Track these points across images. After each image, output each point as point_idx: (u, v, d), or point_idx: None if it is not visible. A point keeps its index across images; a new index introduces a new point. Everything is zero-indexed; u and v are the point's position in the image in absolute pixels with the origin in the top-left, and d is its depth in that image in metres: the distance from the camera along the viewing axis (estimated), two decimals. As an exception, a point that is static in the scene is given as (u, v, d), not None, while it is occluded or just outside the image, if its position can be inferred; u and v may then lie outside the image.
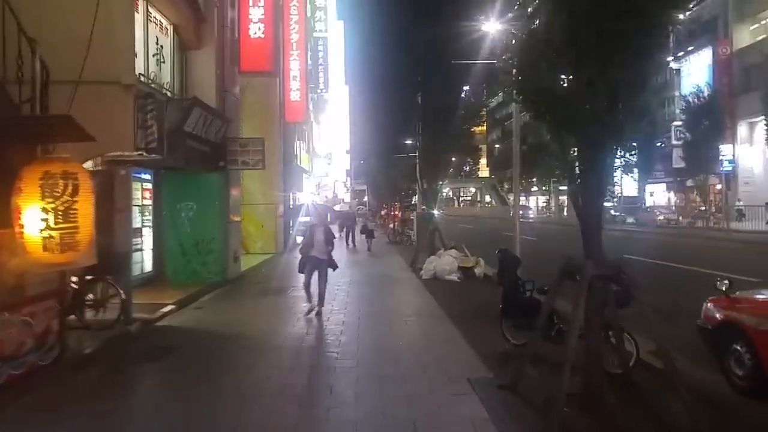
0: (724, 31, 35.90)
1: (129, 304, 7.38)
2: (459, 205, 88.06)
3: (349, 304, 9.26)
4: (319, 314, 8.27)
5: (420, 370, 5.59)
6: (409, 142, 23.63)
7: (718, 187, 36.57)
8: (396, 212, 28.80)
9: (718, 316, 5.02)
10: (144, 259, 9.79)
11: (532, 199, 74.52)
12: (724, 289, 4.97)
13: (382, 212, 43.50)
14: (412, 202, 30.60)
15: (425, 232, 15.52)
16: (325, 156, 35.25)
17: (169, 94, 10.29)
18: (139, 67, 9.04)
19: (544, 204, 69.85)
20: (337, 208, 38.09)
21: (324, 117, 40.58)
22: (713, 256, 16.42)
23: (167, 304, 8.83)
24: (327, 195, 41.52)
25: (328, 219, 14.78)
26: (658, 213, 33.78)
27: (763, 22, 34.45)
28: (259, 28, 12.98)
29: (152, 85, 9.31)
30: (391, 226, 29.95)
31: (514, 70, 4.81)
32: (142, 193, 8.40)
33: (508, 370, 5.46)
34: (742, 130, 34.59)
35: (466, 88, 15.15)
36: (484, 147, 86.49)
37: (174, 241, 11.28)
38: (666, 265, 14.12)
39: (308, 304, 8.50)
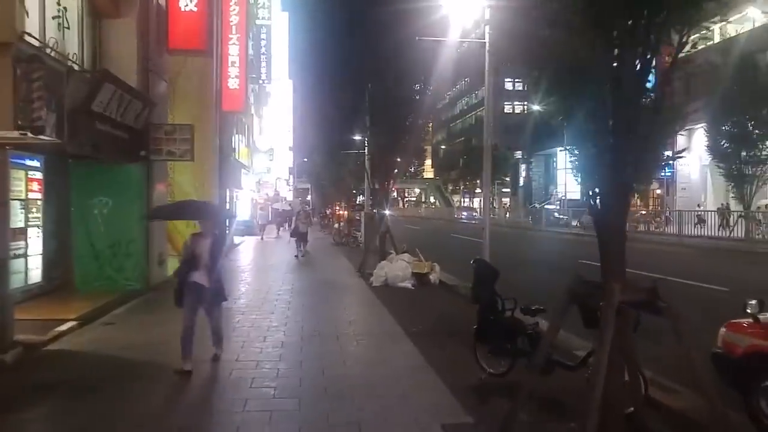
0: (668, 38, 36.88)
1: (6, 325, 5.78)
2: (404, 205, 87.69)
3: (290, 319, 7.95)
4: (216, 359, 5.89)
5: (380, 414, 4.41)
6: (357, 138, 22.48)
7: (658, 191, 37.66)
8: (341, 212, 27.54)
9: (744, 344, 4.14)
10: (30, 267, 7.93)
11: (476, 201, 75.10)
12: (753, 311, 4.09)
13: (327, 211, 42.10)
14: (357, 201, 29.51)
15: (374, 234, 14.39)
16: (267, 151, 33.43)
17: (76, 67, 8.60)
18: (31, 27, 7.37)
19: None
20: (277, 206, 36.31)
21: (266, 111, 38.61)
22: (674, 263, 16.19)
23: (67, 321, 7.23)
24: (268, 193, 39.57)
25: (226, 222, 13.50)
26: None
27: (705, 31, 35.62)
28: (191, 0, 11.40)
29: (50, 53, 7.64)
30: (336, 226, 28.66)
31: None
32: (27, 184, 6.71)
33: (489, 411, 4.38)
34: (680, 137, 35.66)
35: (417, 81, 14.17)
36: (428, 148, 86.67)
37: (84, 242, 9.57)
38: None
39: (184, 366, 5.43)
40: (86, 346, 6.43)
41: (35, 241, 7.27)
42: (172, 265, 13.77)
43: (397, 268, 11.04)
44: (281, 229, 28.08)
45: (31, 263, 6.77)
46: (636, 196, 38.51)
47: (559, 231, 34.29)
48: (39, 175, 6.80)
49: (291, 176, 69.01)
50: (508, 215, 57.82)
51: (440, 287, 11.05)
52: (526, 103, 73.69)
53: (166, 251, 11.80)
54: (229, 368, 5.62)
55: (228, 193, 21.35)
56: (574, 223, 38.77)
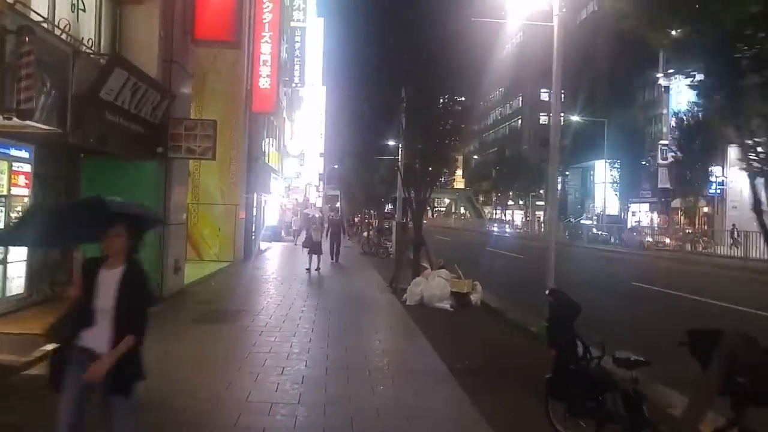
0: (717, 49, 34.81)
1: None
2: (433, 215, 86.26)
3: (313, 344, 6.86)
4: None
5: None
6: (391, 143, 21.47)
7: (705, 209, 35.49)
8: (371, 220, 26.50)
9: None
10: (9, 276, 6.52)
11: (509, 213, 73.20)
12: None
13: (355, 219, 41.16)
14: (386, 210, 28.41)
15: (407, 246, 13.28)
16: (298, 156, 32.74)
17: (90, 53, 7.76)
18: (39, 5, 6.56)
19: (522, 219, 68.51)
20: (307, 211, 35.60)
21: (298, 115, 38.00)
22: (731, 287, 14.58)
23: (59, 337, 6.30)
24: (297, 198, 38.88)
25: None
26: (644, 234, 32.28)
27: (758, 42, 33.52)
28: (220, -12, 10.55)
29: (59, 34, 6.80)
30: (366, 234, 27.62)
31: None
32: (9, 177, 5.81)
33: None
34: (732, 151, 33.47)
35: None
36: (459, 157, 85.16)
37: (92, 246, 8.69)
38: (683, 297, 12.14)
39: None
40: (75, 370, 5.45)
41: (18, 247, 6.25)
42: (193, 272, 12.97)
43: (435, 287, 9.87)
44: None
45: (12, 271, 5.85)
46: (681, 213, 36.32)
47: (598, 248, 32.51)
48: (27, 167, 5.94)
49: (321, 182, 68.54)
50: (542, 230, 55.88)
51: (483, 310, 9.83)
52: (563, 114, 71.79)
53: (182, 257, 10.90)
54: (237, 411, 4.55)
55: (255, 198, 20.55)
56: (612, 240, 36.92)
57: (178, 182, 10.47)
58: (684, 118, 31.86)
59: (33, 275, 7.26)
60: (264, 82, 18.07)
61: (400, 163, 16.50)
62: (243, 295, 10.83)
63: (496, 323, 8.72)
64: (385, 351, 6.85)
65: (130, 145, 8.20)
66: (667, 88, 39.12)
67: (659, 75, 39.68)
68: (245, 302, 9.92)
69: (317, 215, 33.30)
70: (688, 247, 30.20)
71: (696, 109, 32.51)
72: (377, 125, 15.62)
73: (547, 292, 4.49)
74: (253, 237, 19.97)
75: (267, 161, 25.01)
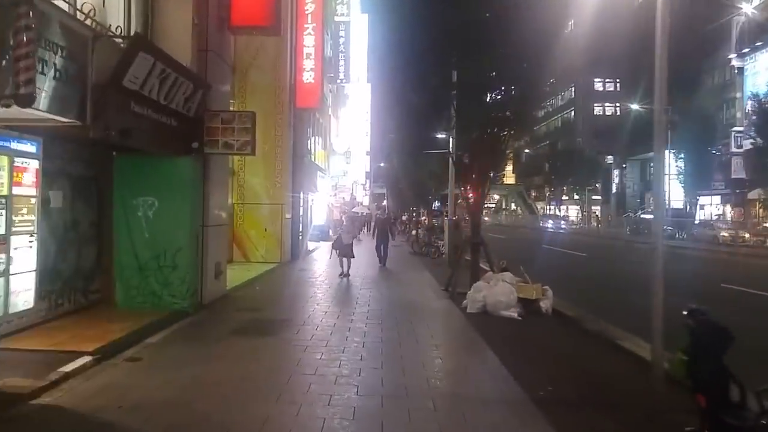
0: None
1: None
2: (482, 212, 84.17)
3: (365, 363, 5.91)
4: None
5: None
6: (441, 135, 20.33)
7: (786, 201, 32.45)
8: (421, 218, 25.45)
9: None
10: (13, 290, 5.43)
11: (563, 209, 70.39)
12: None
13: (403, 217, 40.19)
14: (434, 207, 27.22)
15: (461, 246, 12.17)
16: (344, 153, 32.07)
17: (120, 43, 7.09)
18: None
19: (578, 215, 65.68)
20: (356, 210, 34.93)
21: (344, 112, 37.39)
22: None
23: (83, 354, 5.63)
24: (344, 197, 38.28)
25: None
26: (717, 228, 29.72)
27: None
28: (257, -30, 9.77)
29: (84, 20, 6.12)
30: (414, 233, 26.59)
31: None
32: (10, 174, 5.07)
33: None
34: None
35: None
36: (509, 152, 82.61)
37: (126, 250, 8.09)
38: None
39: None
40: (89, 400, 4.68)
41: (24, 254, 5.53)
42: (238, 275, 12.32)
43: (500, 293, 8.73)
44: (360, 233, 26.41)
45: (16, 284, 5.18)
46: (759, 205, 33.28)
47: (664, 244, 30.14)
48: (34, 164, 5.25)
49: (367, 180, 67.95)
50: (600, 225, 53.22)
51: (556, 319, 8.62)
52: (617, 104, 68.32)
53: (224, 260, 10.21)
54: (273, 459, 3.64)
55: (302, 197, 19.90)
56: (679, 235, 34.37)
57: (218, 180, 9.77)
58: (764, 100, 29.07)
59: (47, 286, 6.62)
60: (308, 76, 17.35)
61: (451, 156, 15.41)
62: (288, 300, 10.03)
63: (576, 336, 7.50)
64: (449, 372, 5.82)
65: (161, 140, 7.50)
66: (741, 70, 36.06)
67: (732, 56, 36.70)
68: (290, 309, 9.10)
69: (365, 213, 32.53)
70: (769, 242, 27.63)
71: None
72: (426, 115, 14.43)
73: (685, 312, 3.33)
74: (300, 237, 19.32)
75: (313, 159, 24.40)
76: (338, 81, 29.75)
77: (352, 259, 13.37)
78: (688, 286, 13.46)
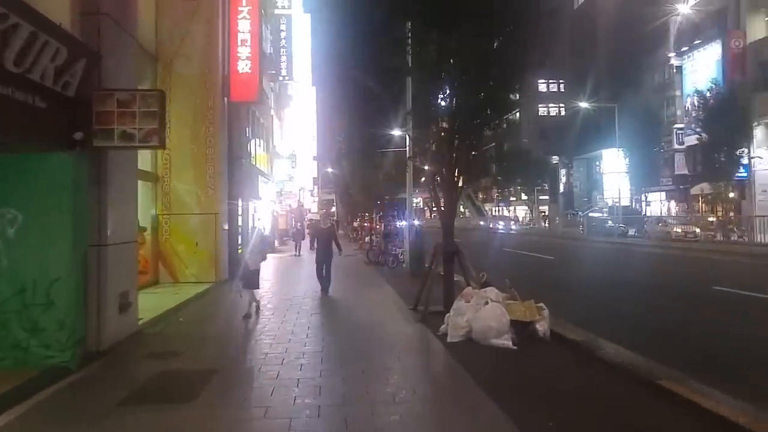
0: (736, 22, 32.17)
1: None
2: (431, 215, 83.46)
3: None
4: None
5: None
6: (396, 133, 18.60)
7: (731, 195, 32.74)
8: (375, 224, 23.59)
9: None
10: None
11: (512, 210, 70.50)
12: None
13: (354, 224, 38.24)
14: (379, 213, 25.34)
15: (436, 257, 10.36)
16: (289, 156, 29.79)
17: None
18: None
19: (526, 215, 65.81)
20: (311, 217, 32.79)
21: (288, 113, 35.09)
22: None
23: None
24: (291, 204, 35.92)
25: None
26: (671, 224, 29.44)
27: (783, 10, 30.91)
28: None
29: None
30: (368, 239, 24.70)
31: None
32: None
33: None
34: (758, 132, 30.73)
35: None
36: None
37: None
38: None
39: None
40: None
41: None
42: (159, 302, 10.01)
43: (488, 316, 6.93)
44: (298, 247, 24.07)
45: None
46: (701, 200, 33.44)
47: (619, 242, 29.70)
48: None
49: (315, 186, 65.58)
50: (548, 225, 53.13)
51: (557, 345, 6.90)
52: (562, 105, 69.17)
53: (133, 289, 7.93)
54: None
55: (242, 204, 17.60)
56: (631, 232, 34.16)
57: (121, 184, 7.52)
58: (707, 95, 29.08)
59: None
60: (243, 66, 15.15)
61: (409, 156, 13.64)
62: (218, 338, 7.86)
63: (595, 372, 5.76)
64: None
65: (16, 128, 5.25)
66: (679, 68, 36.43)
67: (671, 54, 37.06)
68: (218, 352, 6.96)
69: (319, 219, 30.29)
70: (719, 236, 27.54)
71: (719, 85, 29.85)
72: (379, 106, 12.67)
73: None
74: (240, 251, 17.02)
75: (254, 163, 22.09)
76: (280, 78, 27.52)
77: (256, 291, 9.53)
78: (675, 287, 12.30)
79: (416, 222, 16.71)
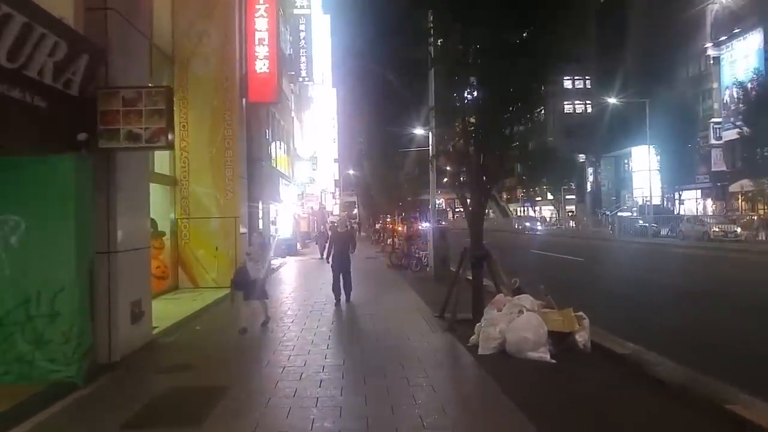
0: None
1: None
2: (453, 217, 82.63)
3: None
4: None
5: None
6: (418, 132, 18.06)
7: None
8: (398, 225, 23.07)
9: None
10: None
11: (538, 210, 69.23)
12: None
13: (377, 226, 37.79)
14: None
15: (464, 261, 9.79)
16: (309, 159, 29.50)
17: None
18: None
19: (552, 215, 64.50)
20: (332, 220, 32.46)
21: (308, 115, 34.84)
22: None
23: None
24: (313, 207, 35.67)
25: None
26: (709, 223, 28.20)
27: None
28: None
29: None
30: (390, 242, 24.20)
31: None
32: None
33: None
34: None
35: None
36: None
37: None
38: None
39: None
40: None
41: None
42: (177, 309, 9.70)
43: (524, 327, 6.36)
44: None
45: None
46: (740, 198, 31.95)
47: (653, 243, 28.61)
48: None
49: (337, 189, 65.42)
50: (576, 225, 51.88)
51: (600, 358, 6.29)
52: (588, 102, 67.68)
53: (146, 297, 7.58)
54: None
55: (261, 207, 17.31)
56: (664, 232, 32.94)
57: (131, 187, 7.18)
58: (749, 87, 27.77)
59: None
60: (261, 66, 14.82)
61: (432, 155, 13.10)
62: (235, 348, 7.45)
63: (648, 392, 5.13)
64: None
65: (15, 128, 4.90)
66: (717, 59, 35.00)
67: (707, 45, 35.68)
68: (235, 365, 6.54)
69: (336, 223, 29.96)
70: (762, 236, 26.24)
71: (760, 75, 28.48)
72: (401, 102, 12.15)
73: None
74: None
75: (275, 165, 21.82)
76: (300, 79, 27.22)
77: (267, 300, 8.76)
78: (726, 295, 11.22)
79: (441, 223, 16.12)
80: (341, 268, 10.76)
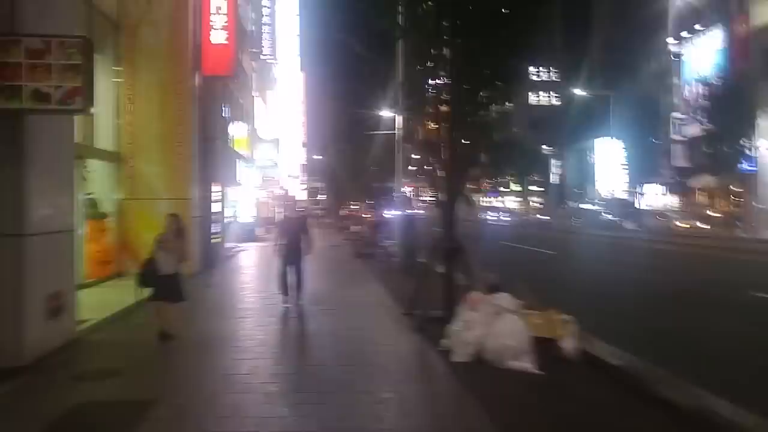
0: (739, 6, 30.95)
1: None
2: (419, 205, 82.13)
3: None
4: None
5: None
6: (386, 114, 17.17)
7: (733, 188, 31.77)
8: (364, 213, 22.18)
9: None
10: None
11: (500, 201, 69.51)
12: None
13: (342, 212, 36.82)
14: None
15: (434, 254, 9.01)
16: (272, 141, 28.13)
17: None
18: None
19: (519, 205, 64.80)
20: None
21: (272, 96, 33.30)
22: None
23: None
24: (275, 191, 34.29)
25: None
26: (672, 218, 28.41)
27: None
28: None
29: None
30: (355, 229, 23.31)
31: None
32: None
33: None
34: (762, 122, 29.66)
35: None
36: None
37: None
38: None
39: None
40: None
41: None
42: (117, 299, 8.56)
43: (505, 332, 5.59)
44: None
45: None
46: (696, 194, 32.28)
47: (617, 235, 28.64)
48: None
49: (304, 174, 63.82)
50: (536, 216, 52.14)
51: (590, 368, 5.58)
52: (555, 94, 68.08)
53: (69, 287, 6.48)
54: None
55: (218, 189, 16.10)
56: (629, 226, 33.17)
57: (50, 161, 6.05)
58: (711, 83, 27.89)
59: None
60: (218, 36, 13.58)
61: (397, 133, 12.25)
62: (173, 348, 6.45)
63: (654, 415, 4.44)
64: None
65: None
66: (678, 55, 35.19)
67: (670, 40, 35.83)
68: (169, 371, 5.57)
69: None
70: (727, 232, 26.56)
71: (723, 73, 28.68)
72: (369, 75, 11.24)
73: None
74: (219, 240, 15.57)
75: (233, 146, 20.52)
76: (262, 56, 25.78)
77: (178, 303, 6.76)
78: (709, 293, 10.52)
79: (410, 211, 15.33)
80: (292, 260, 8.93)
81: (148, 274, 6.66)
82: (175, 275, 6.71)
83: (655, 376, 5.00)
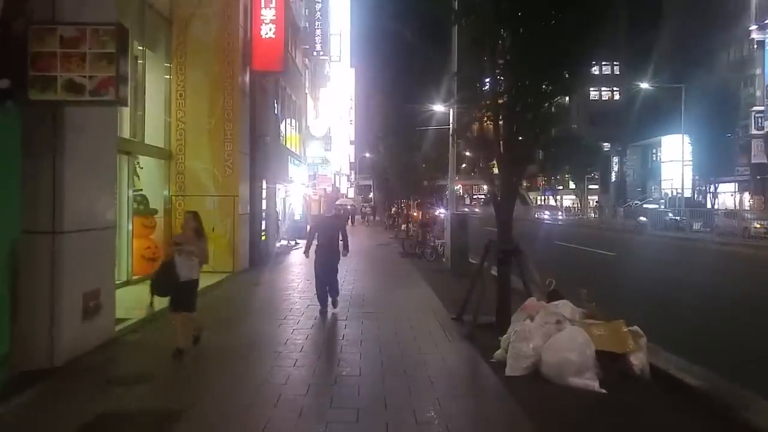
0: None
1: None
2: (471, 203, 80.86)
3: None
4: None
5: None
6: (438, 109, 16.58)
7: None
8: (413, 211, 21.70)
9: None
10: None
11: (559, 199, 67.20)
12: None
13: (392, 211, 36.47)
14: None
15: (488, 256, 8.42)
16: (322, 138, 28.05)
17: None
18: None
19: (573, 204, 62.46)
20: (338, 202, 31.20)
21: (324, 93, 33.33)
22: None
23: None
24: (326, 188, 34.37)
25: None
26: (749, 219, 26.24)
27: None
28: None
29: None
30: (404, 227, 22.88)
31: None
32: None
33: None
34: None
35: None
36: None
37: None
38: None
39: None
40: None
41: None
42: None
43: (566, 345, 4.98)
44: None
45: None
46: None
47: (684, 237, 26.81)
48: None
49: (352, 172, 63.98)
50: (593, 214, 49.93)
51: (664, 388, 4.88)
52: (615, 88, 65.06)
53: (108, 286, 6.35)
54: None
55: (267, 187, 16.04)
56: (696, 227, 30.96)
57: (88, 154, 5.90)
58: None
59: None
60: (267, 30, 13.43)
61: (451, 128, 11.67)
62: (211, 353, 6.19)
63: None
64: None
65: None
66: (761, 43, 32.51)
67: (752, 27, 33.16)
68: (203, 377, 5.29)
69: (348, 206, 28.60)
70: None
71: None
72: (421, 72, 10.73)
73: None
74: (263, 237, 15.51)
75: (285, 143, 20.51)
76: (314, 53, 25.73)
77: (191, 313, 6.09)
78: None
79: (462, 210, 14.71)
80: (327, 265, 8.23)
81: (165, 282, 5.97)
82: (194, 282, 6.04)
83: (741, 399, 4.27)
